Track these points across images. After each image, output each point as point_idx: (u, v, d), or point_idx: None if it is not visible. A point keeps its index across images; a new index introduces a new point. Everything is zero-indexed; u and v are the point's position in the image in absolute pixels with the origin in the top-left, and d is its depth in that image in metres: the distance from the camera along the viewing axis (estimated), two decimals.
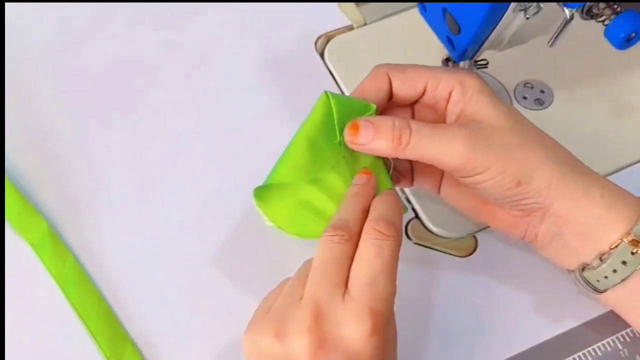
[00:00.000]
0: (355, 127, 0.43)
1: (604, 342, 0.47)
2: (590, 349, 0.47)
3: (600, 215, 0.43)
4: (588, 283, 0.44)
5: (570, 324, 0.48)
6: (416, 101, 0.46)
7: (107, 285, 0.50)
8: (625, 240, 0.42)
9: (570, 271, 0.45)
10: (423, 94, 0.45)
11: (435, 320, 0.49)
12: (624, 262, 0.42)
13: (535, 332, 0.48)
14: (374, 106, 0.44)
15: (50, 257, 0.51)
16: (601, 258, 0.43)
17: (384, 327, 0.38)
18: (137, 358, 0.47)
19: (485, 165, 0.42)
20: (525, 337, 0.48)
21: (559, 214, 0.43)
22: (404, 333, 0.48)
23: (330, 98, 0.43)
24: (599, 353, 0.47)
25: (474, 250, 0.52)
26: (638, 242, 0.42)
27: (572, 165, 0.44)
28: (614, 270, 0.43)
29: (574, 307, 0.49)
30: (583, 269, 0.44)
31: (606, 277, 0.43)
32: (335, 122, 0.43)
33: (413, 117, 0.47)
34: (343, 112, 0.43)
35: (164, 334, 0.49)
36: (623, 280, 0.43)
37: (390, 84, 0.45)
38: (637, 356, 0.47)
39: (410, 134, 0.42)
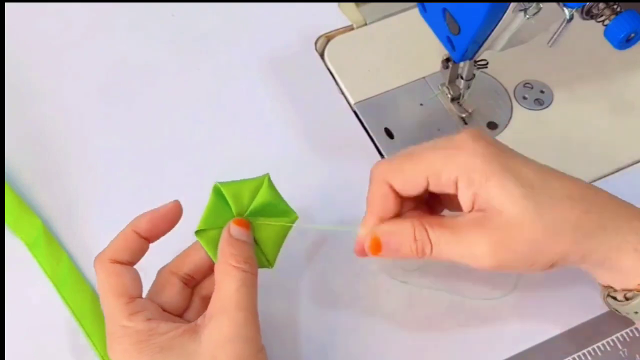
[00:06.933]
0: (377, 244, 0.43)
1: (604, 342, 0.47)
2: (590, 348, 0.47)
3: (630, 267, 0.42)
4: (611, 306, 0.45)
5: (571, 323, 0.48)
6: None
7: None
8: None
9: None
10: (428, 184, 0.43)
11: (435, 320, 0.49)
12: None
13: (535, 332, 0.48)
14: (265, 176, 0.44)
15: (45, 255, 0.51)
16: (626, 296, 0.43)
17: None
18: None
19: (512, 267, 0.41)
20: (525, 336, 0.48)
21: (591, 266, 0.43)
22: (405, 333, 0.48)
23: (222, 187, 0.44)
24: (599, 353, 0.47)
25: None
26: None
27: (605, 223, 0.41)
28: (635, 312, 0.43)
29: (574, 307, 0.49)
30: (608, 294, 0.44)
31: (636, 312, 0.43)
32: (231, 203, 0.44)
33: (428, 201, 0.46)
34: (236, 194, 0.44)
35: None
36: None
37: (393, 188, 0.44)
38: (637, 356, 0.47)
39: (432, 248, 0.42)
